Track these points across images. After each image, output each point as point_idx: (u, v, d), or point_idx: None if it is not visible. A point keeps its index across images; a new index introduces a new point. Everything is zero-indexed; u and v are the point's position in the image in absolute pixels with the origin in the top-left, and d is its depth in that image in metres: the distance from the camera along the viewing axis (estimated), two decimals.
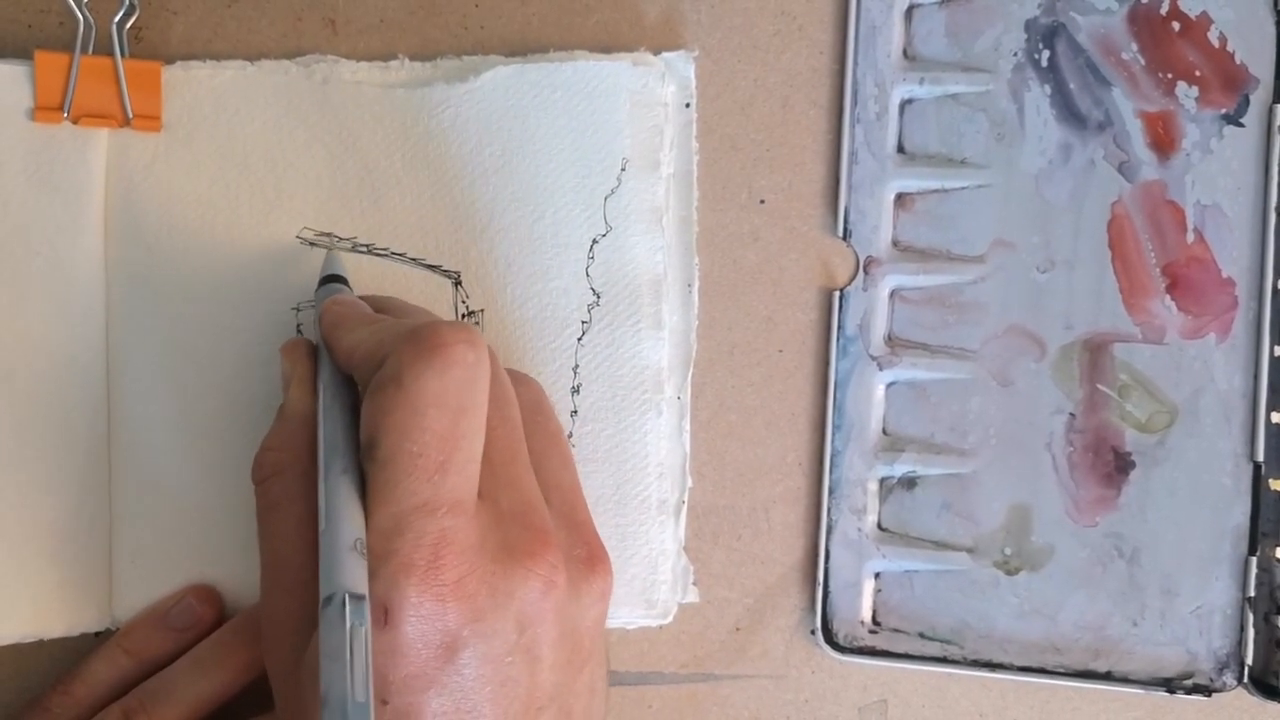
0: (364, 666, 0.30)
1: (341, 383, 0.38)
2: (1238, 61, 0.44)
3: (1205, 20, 0.44)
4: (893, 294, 0.45)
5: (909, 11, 0.45)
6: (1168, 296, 0.44)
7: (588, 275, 0.44)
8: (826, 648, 0.44)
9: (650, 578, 0.44)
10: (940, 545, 0.44)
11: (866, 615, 0.45)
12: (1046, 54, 0.44)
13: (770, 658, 0.45)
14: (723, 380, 0.45)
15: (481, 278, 0.44)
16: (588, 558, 0.37)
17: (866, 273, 0.45)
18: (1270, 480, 0.44)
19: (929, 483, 0.45)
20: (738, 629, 0.45)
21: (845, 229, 0.45)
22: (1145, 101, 0.44)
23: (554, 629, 0.35)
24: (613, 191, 0.44)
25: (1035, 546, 0.44)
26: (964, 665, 0.44)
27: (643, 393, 0.44)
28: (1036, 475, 0.44)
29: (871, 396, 0.45)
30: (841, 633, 0.45)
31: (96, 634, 0.44)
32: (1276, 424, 0.44)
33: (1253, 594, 0.43)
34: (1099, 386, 0.44)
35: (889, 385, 0.45)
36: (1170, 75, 0.44)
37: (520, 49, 0.44)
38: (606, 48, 0.44)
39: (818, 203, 0.45)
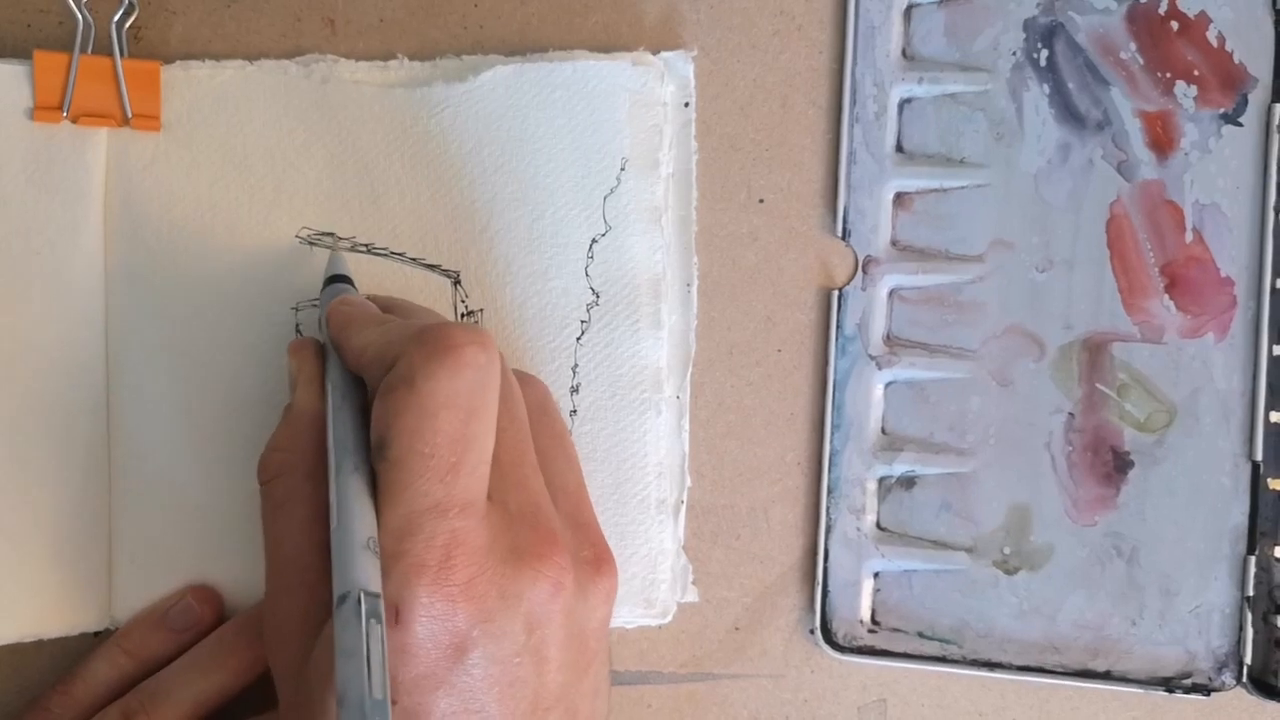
0: (381, 664, 0.30)
1: (350, 382, 0.38)
2: (1236, 61, 0.44)
3: (1204, 20, 0.44)
4: (891, 293, 0.45)
5: (908, 11, 0.45)
6: (1166, 296, 0.44)
7: (587, 275, 0.44)
8: (825, 647, 0.44)
9: (649, 577, 0.44)
10: (939, 545, 0.45)
11: (865, 615, 0.45)
12: (1045, 53, 0.44)
13: (769, 657, 0.45)
14: (722, 380, 0.45)
15: (481, 277, 0.44)
16: (594, 559, 0.37)
17: (865, 272, 0.45)
18: (1269, 480, 0.44)
19: (928, 482, 0.45)
20: (737, 628, 0.45)
21: (844, 228, 0.45)
22: (1144, 101, 0.44)
23: (562, 630, 0.35)
24: (612, 191, 0.44)
25: (1034, 546, 0.44)
26: (963, 665, 0.44)
27: (642, 392, 0.44)
28: (1035, 475, 0.44)
29: (870, 396, 0.45)
30: (840, 632, 0.45)
31: (96, 634, 0.44)
32: (1275, 423, 0.44)
33: (1251, 593, 0.43)
34: (1098, 386, 0.44)
35: (888, 385, 0.45)
36: (1169, 75, 0.44)
37: (519, 49, 0.44)
38: (606, 47, 0.44)
39: (817, 202, 0.45)
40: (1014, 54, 0.44)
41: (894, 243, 0.45)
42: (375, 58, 0.44)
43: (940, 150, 0.45)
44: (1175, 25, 0.44)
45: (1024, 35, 0.44)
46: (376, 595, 0.32)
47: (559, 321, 0.44)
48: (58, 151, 0.43)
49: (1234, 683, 0.43)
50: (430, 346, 0.35)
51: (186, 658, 0.42)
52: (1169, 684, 0.44)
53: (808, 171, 0.45)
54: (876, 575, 0.45)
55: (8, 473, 0.43)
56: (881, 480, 0.45)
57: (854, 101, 0.45)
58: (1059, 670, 0.44)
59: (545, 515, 0.36)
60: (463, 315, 0.44)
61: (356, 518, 0.34)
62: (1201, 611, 0.44)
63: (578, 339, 0.44)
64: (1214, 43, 0.44)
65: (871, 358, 0.45)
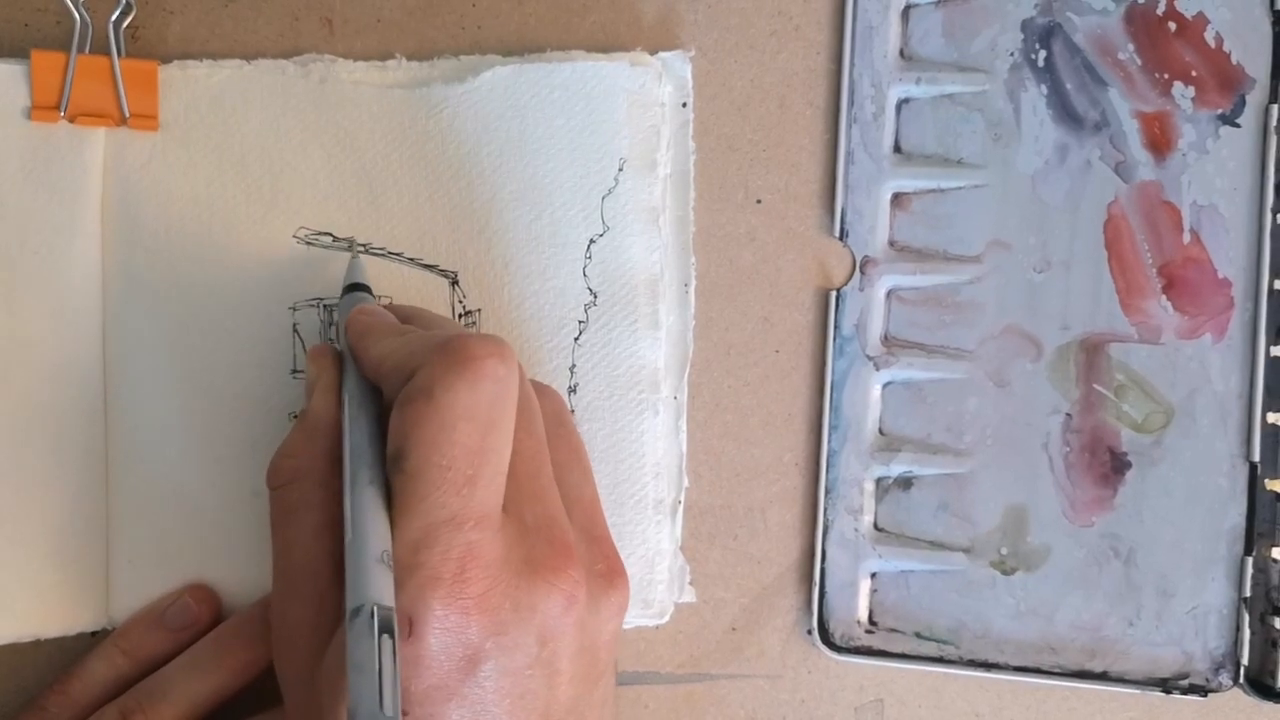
0: (393, 679, 0.30)
1: (367, 392, 0.38)
2: (1234, 62, 0.44)
3: (1202, 20, 0.44)
4: (889, 294, 0.45)
5: (906, 11, 0.45)
6: (1164, 297, 0.44)
7: (585, 275, 0.44)
8: (823, 647, 0.44)
9: (647, 577, 0.44)
10: (936, 545, 0.45)
11: (863, 615, 0.45)
12: (1043, 54, 0.44)
13: (766, 658, 0.45)
14: (719, 380, 0.45)
15: (479, 278, 0.44)
16: (607, 572, 0.37)
17: (863, 273, 0.45)
18: (1266, 480, 0.44)
19: (925, 483, 0.45)
20: (734, 629, 0.45)
21: (842, 229, 0.45)
22: (1142, 102, 0.44)
23: (574, 643, 0.35)
24: (610, 191, 0.44)
25: (1031, 547, 0.44)
26: (960, 665, 0.44)
27: (639, 393, 0.44)
28: (1033, 475, 0.44)
29: (868, 396, 0.45)
30: (838, 633, 0.45)
31: (93, 634, 0.44)
32: (1272, 424, 0.44)
33: (1248, 594, 0.43)
34: (1095, 387, 0.44)
35: (885, 385, 0.45)
36: (1167, 75, 0.44)
37: (517, 49, 0.44)
38: (604, 48, 0.44)
39: (814, 203, 0.45)
40: (1012, 54, 0.44)
41: (892, 243, 0.45)
42: (373, 58, 0.44)
43: (938, 151, 0.45)
44: (1173, 26, 0.44)
45: (1022, 36, 0.44)
46: (390, 609, 0.32)
47: (557, 322, 0.44)
48: (55, 151, 0.43)
49: (1231, 683, 0.44)
50: (450, 358, 0.35)
51: (184, 657, 0.42)
52: (1166, 685, 0.44)
53: (805, 172, 0.45)
54: (874, 576, 0.45)
55: (5, 473, 0.43)
56: (879, 481, 0.45)
57: (852, 102, 0.45)
58: (1056, 671, 0.44)
59: (560, 528, 0.36)
60: (460, 315, 0.44)
61: (371, 530, 0.33)
62: (1199, 612, 0.44)
63: (575, 339, 0.44)
64: (1212, 44, 0.44)
65: (869, 358, 0.45)
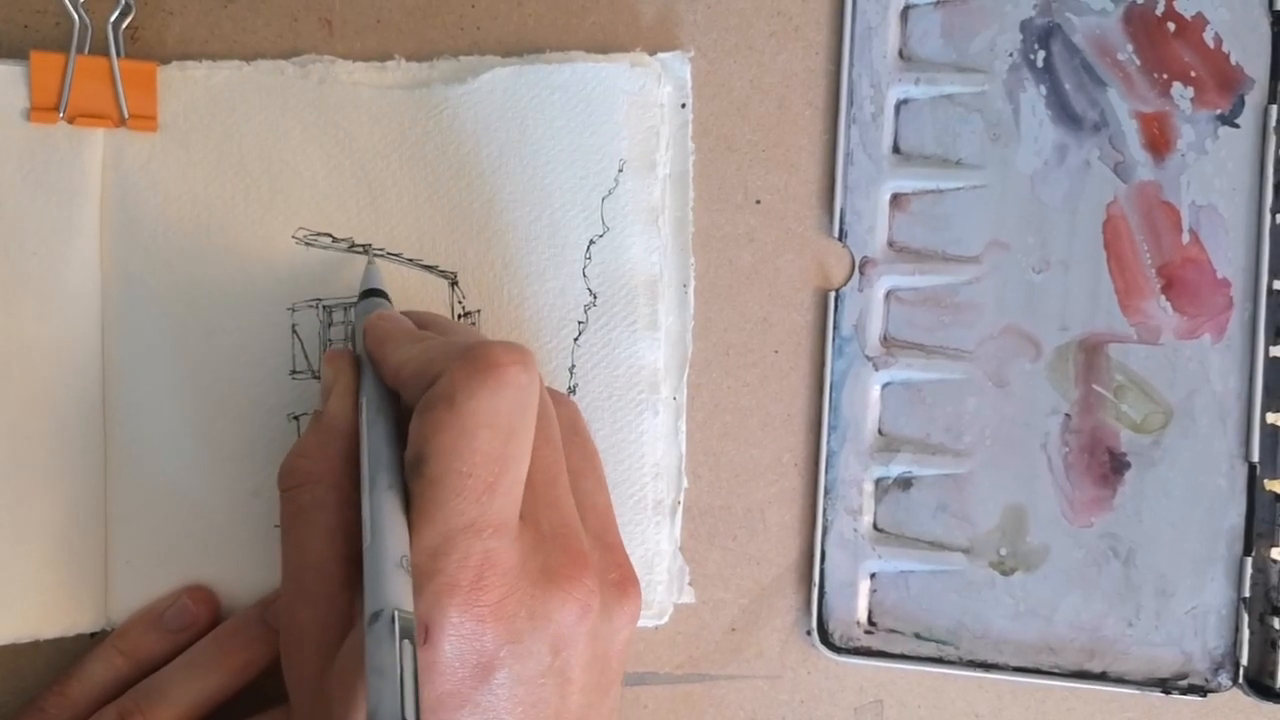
0: (413, 684, 0.30)
1: (385, 397, 0.38)
2: (1233, 62, 0.44)
3: (1201, 21, 0.44)
4: (888, 294, 0.45)
5: (904, 12, 0.45)
6: (1163, 297, 0.44)
7: (584, 276, 0.44)
8: (822, 648, 0.44)
9: (646, 578, 0.44)
10: (936, 546, 0.45)
11: (862, 616, 0.45)
12: (1042, 54, 0.44)
13: (766, 658, 0.45)
14: (718, 381, 0.45)
15: (478, 278, 0.44)
16: (620, 581, 0.37)
17: (862, 273, 0.45)
18: (1265, 481, 0.44)
19: (924, 483, 0.45)
20: (733, 629, 0.45)
21: (841, 229, 0.45)
22: (1141, 102, 0.44)
23: (586, 652, 0.35)
24: (609, 192, 0.44)
25: (1031, 547, 0.44)
26: (959, 666, 0.44)
27: (639, 393, 0.44)
28: (1032, 476, 0.44)
29: (867, 397, 0.45)
30: (837, 633, 0.45)
31: (92, 635, 0.44)
32: (1271, 424, 0.44)
33: (1248, 594, 0.43)
34: (1094, 387, 0.44)
35: (884, 386, 0.45)
36: (1166, 76, 0.44)
37: (517, 50, 0.44)
38: (603, 48, 0.44)
39: (813, 203, 0.45)
40: (1011, 55, 0.44)
41: (891, 244, 0.45)
42: (372, 58, 0.44)
43: (937, 151, 0.45)
44: (1172, 26, 0.44)
45: (1021, 36, 0.44)
46: (410, 614, 0.32)
47: (556, 322, 0.44)
48: (54, 152, 0.43)
49: (1230, 684, 0.44)
50: (473, 365, 0.35)
51: (183, 658, 0.42)
52: (1165, 685, 0.44)
53: (804, 172, 0.45)
54: (873, 576, 0.45)
55: (4, 473, 0.42)
56: (878, 481, 0.45)
57: (851, 102, 0.45)
58: (1055, 671, 0.44)
59: (576, 536, 0.36)
60: (460, 316, 0.44)
61: (390, 535, 0.33)
62: (1198, 612, 0.44)
63: (575, 340, 0.44)
64: (1211, 44, 0.44)
65: (868, 359, 0.45)
